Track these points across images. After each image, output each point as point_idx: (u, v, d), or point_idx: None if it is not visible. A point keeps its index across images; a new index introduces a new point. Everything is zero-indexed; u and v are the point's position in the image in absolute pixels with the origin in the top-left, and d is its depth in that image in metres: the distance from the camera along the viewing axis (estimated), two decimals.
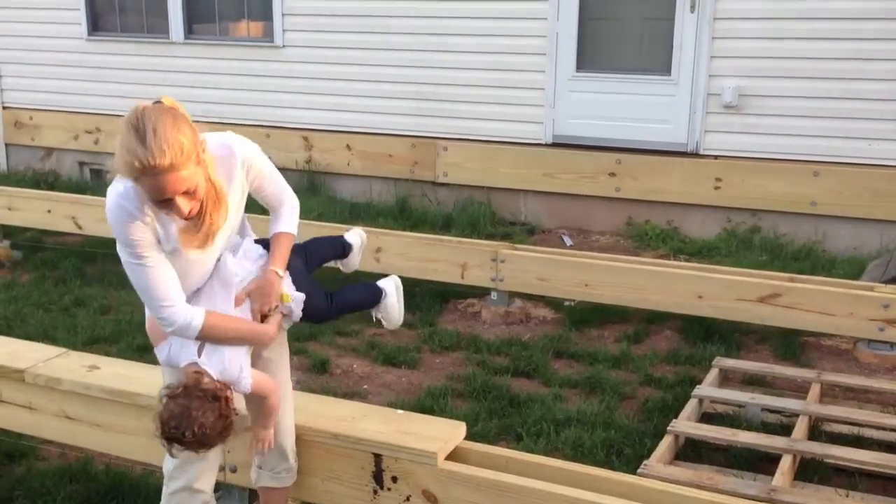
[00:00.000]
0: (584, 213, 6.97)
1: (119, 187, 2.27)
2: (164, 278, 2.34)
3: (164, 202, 2.21)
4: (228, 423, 2.36)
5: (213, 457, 2.63)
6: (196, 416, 2.28)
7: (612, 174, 6.75)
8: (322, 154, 7.74)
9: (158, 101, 2.25)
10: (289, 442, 2.78)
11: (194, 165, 2.20)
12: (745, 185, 6.37)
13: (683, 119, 6.62)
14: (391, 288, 3.03)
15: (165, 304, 2.34)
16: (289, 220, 2.67)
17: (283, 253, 2.63)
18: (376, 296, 2.99)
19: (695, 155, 6.59)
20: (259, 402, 2.61)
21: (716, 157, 6.54)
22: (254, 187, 2.54)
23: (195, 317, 2.37)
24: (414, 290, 5.57)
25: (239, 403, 2.60)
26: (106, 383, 3.10)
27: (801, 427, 3.57)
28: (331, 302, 2.80)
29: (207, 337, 2.41)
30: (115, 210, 2.28)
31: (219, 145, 2.40)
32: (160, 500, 2.93)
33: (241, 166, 2.45)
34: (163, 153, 2.12)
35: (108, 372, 3.20)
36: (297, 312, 2.62)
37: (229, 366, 2.41)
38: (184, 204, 2.22)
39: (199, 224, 2.32)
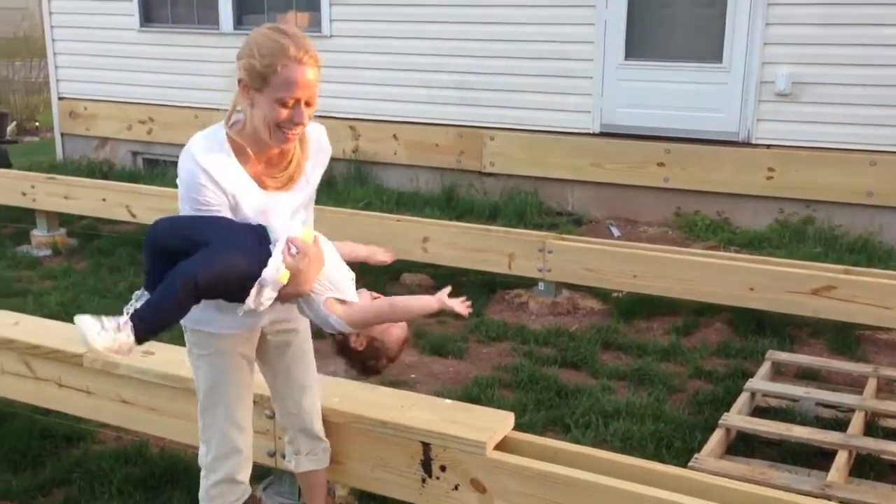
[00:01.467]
0: (633, 204, 6.90)
1: (202, 144, 2.32)
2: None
3: (285, 107, 2.25)
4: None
5: (249, 447, 2.65)
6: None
7: (661, 164, 6.66)
8: (369, 143, 7.78)
9: None
10: (318, 424, 2.81)
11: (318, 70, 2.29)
12: (799, 175, 6.25)
13: (735, 107, 6.50)
14: None
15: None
16: None
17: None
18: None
19: (746, 144, 6.48)
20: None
21: (768, 146, 6.42)
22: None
23: None
24: (461, 280, 5.59)
25: None
26: (160, 368, 3.15)
27: (856, 422, 3.50)
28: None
29: None
30: (193, 171, 2.29)
31: (314, 128, 2.47)
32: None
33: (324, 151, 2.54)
34: (309, 47, 2.25)
35: (163, 357, 3.25)
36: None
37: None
38: (304, 112, 2.27)
39: (286, 162, 2.40)
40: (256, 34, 2.29)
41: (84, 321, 2.17)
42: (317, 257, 2.40)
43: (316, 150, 2.50)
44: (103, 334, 2.16)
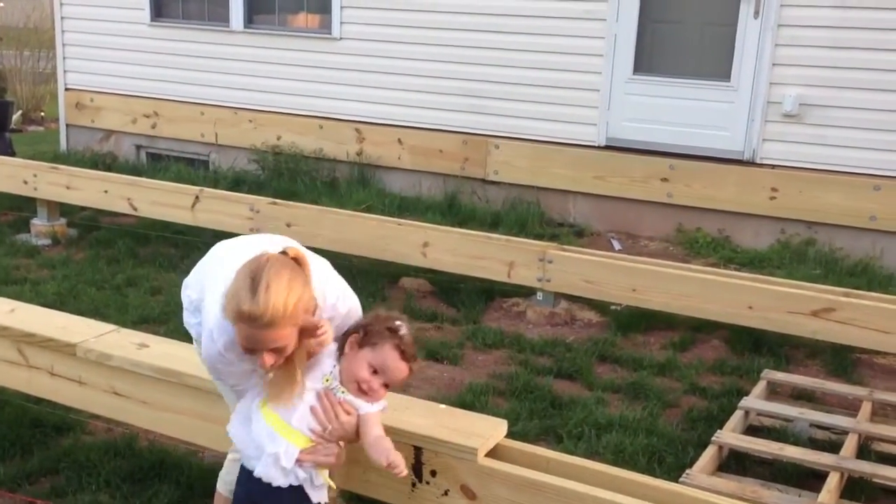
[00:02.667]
0: (634, 218, 6.89)
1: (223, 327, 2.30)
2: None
3: (251, 350, 2.25)
4: None
5: None
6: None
7: (665, 179, 6.66)
8: (373, 147, 7.78)
9: (284, 252, 2.28)
10: None
11: (294, 328, 2.23)
12: (802, 197, 6.24)
13: (741, 126, 6.50)
14: None
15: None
16: None
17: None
18: None
19: (751, 163, 6.48)
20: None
21: (773, 166, 6.42)
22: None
23: None
24: (459, 286, 5.58)
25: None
26: (155, 362, 3.13)
27: (850, 445, 3.48)
28: None
29: None
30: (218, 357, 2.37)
31: (331, 307, 2.41)
32: (201, 478, 2.98)
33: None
34: (268, 310, 2.14)
35: (158, 351, 3.23)
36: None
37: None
38: (269, 358, 2.25)
39: (285, 380, 2.37)
40: (238, 274, 2.20)
41: None
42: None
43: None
44: None
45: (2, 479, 3.26)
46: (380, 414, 2.50)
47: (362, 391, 2.42)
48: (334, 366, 2.45)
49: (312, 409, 2.40)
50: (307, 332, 2.29)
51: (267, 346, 2.22)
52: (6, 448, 3.46)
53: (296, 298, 2.18)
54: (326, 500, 2.49)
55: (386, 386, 2.45)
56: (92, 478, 3.26)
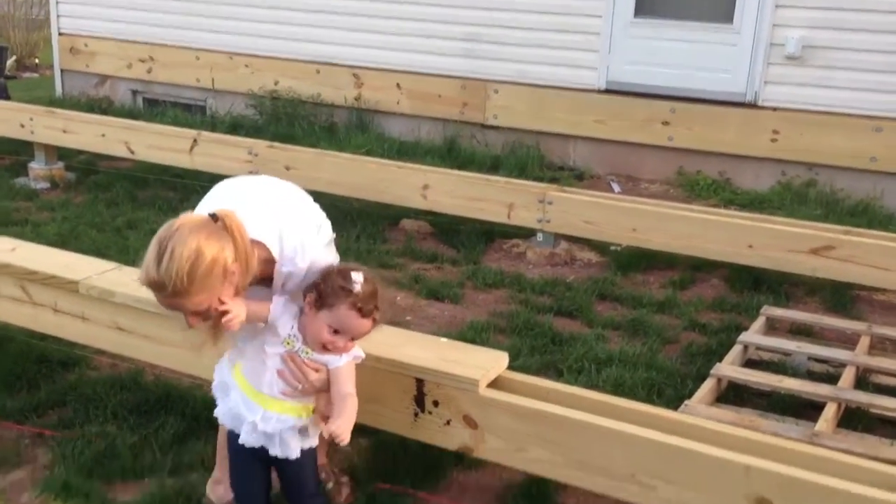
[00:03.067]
0: (635, 161, 6.88)
1: None
2: None
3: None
4: None
5: None
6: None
7: (666, 122, 6.63)
8: (372, 92, 7.71)
9: (214, 215, 2.23)
10: None
11: (209, 292, 2.19)
12: (803, 139, 6.22)
13: (743, 69, 6.45)
14: None
15: None
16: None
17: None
18: None
19: (753, 106, 6.44)
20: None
21: (774, 108, 6.38)
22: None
23: None
24: (459, 228, 5.58)
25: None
26: None
27: (847, 377, 3.52)
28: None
29: None
30: None
31: (289, 261, 2.37)
32: (206, 410, 3.00)
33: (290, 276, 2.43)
34: (170, 279, 2.12)
35: None
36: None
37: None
38: (192, 320, 2.26)
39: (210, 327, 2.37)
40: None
41: None
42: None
43: (284, 279, 2.42)
44: None
45: (9, 410, 3.30)
46: (351, 366, 2.46)
47: (327, 350, 2.40)
48: (292, 326, 2.41)
49: (280, 373, 2.39)
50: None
51: (185, 310, 2.22)
52: (12, 382, 3.49)
53: (204, 266, 2.13)
54: (316, 441, 2.50)
55: (352, 339, 2.41)
56: (99, 410, 3.30)
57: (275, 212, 2.40)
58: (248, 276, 2.28)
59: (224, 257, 2.18)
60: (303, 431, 2.45)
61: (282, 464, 2.47)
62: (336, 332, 2.36)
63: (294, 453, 2.43)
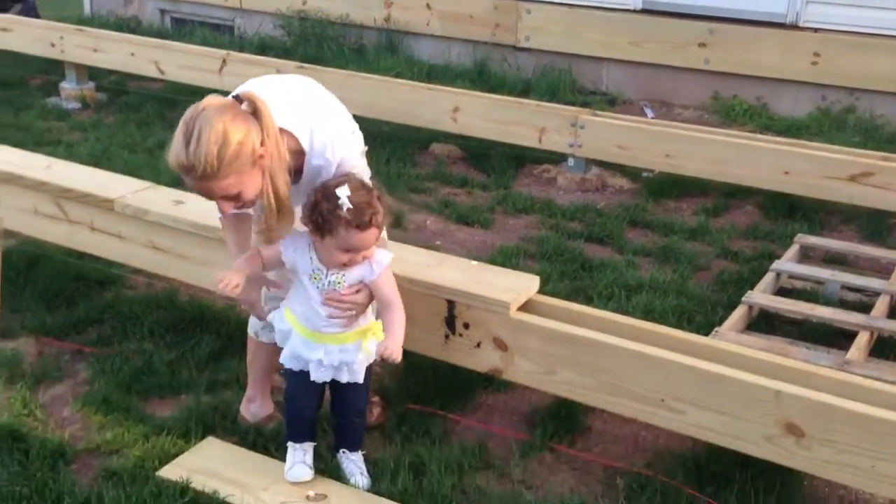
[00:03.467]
0: (669, 85, 6.73)
1: None
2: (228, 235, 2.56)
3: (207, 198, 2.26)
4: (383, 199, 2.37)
5: None
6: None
7: (703, 45, 6.45)
8: (401, 12, 7.56)
9: (237, 97, 2.21)
10: None
11: (239, 176, 2.17)
12: (845, 62, 6.03)
13: None
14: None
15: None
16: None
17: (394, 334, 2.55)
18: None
19: (793, 27, 6.24)
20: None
21: (815, 30, 6.18)
22: None
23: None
24: (489, 152, 5.54)
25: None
26: (191, 217, 3.17)
27: (881, 305, 3.50)
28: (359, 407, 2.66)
29: None
30: None
31: (319, 153, 2.34)
32: (240, 330, 3.06)
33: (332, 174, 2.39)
34: (199, 162, 2.11)
35: (194, 207, 3.25)
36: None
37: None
38: (224, 205, 2.25)
39: (260, 223, 2.36)
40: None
41: None
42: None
43: (314, 173, 2.39)
44: None
45: (49, 327, 3.38)
46: (387, 273, 2.45)
47: (349, 267, 2.39)
48: (311, 259, 2.40)
49: (331, 315, 2.41)
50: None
51: (215, 195, 2.21)
52: (51, 299, 3.57)
53: (232, 148, 2.12)
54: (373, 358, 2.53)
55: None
56: (136, 328, 3.37)
57: (305, 104, 2.38)
58: (281, 162, 2.25)
59: (251, 140, 2.18)
60: (364, 353, 2.49)
61: (338, 387, 2.55)
62: (347, 251, 2.35)
63: (360, 376, 2.51)
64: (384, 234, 2.53)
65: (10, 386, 3.02)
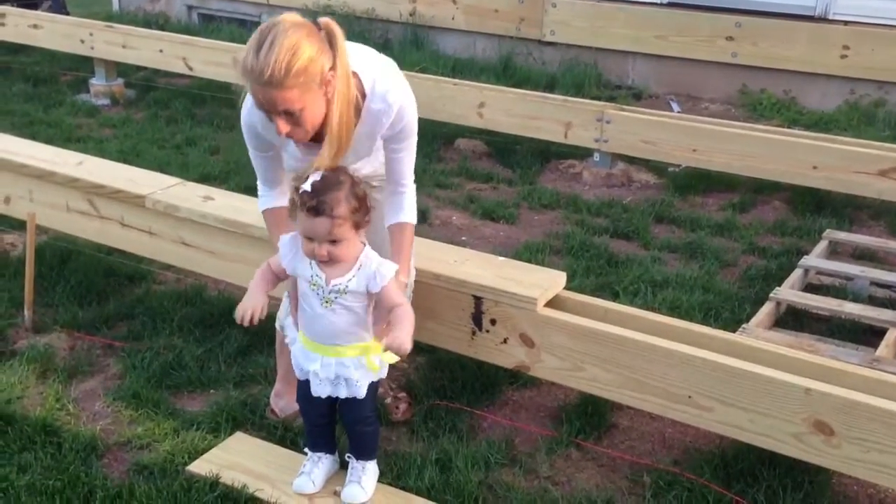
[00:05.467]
0: (696, 79, 6.69)
1: (249, 101, 2.35)
2: (262, 170, 2.58)
3: (266, 112, 2.24)
4: (362, 200, 2.31)
5: None
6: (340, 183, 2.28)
7: (730, 38, 6.40)
8: (427, 7, 7.57)
9: (316, 21, 2.22)
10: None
11: (303, 92, 2.17)
12: (875, 55, 5.96)
13: None
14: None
15: (259, 187, 2.63)
16: (411, 208, 2.56)
17: (407, 253, 2.56)
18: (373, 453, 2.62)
19: (823, 20, 6.18)
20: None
21: (845, 22, 6.11)
22: (388, 146, 2.48)
23: (262, 202, 2.63)
24: (515, 147, 5.54)
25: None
26: (220, 213, 3.20)
27: None
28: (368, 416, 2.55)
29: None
30: (244, 123, 2.45)
31: (378, 98, 2.34)
32: (269, 325, 3.07)
33: (388, 124, 2.40)
34: (268, 67, 2.11)
35: (223, 203, 3.30)
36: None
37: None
38: (282, 124, 2.23)
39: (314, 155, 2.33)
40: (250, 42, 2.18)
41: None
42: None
43: (373, 120, 2.39)
44: None
45: (81, 322, 3.43)
46: (393, 283, 2.36)
47: (325, 263, 2.31)
48: (311, 264, 2.34)
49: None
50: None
51: (276, 107, 2.20)
52: (83, 295, 3.62)
53: (301, 61, 2.13)
54: (384, 374, 2.50)
55: (333, 242, 2.28)
56: (165, 323, 3.41)
57: (374, 56, 2.42)
58: (348, 95, 2.24)
59: (322, 61, 2.19)
60: (369, 373, 2.43)
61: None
62: (310, 239, 2.28)
63: (361, 392, 2.42)
64: (364, 239, 2.44)
65: (44, 380, 3.07)
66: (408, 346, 2.26)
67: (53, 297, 3.60)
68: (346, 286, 2.33)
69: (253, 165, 2.59)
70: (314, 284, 2.35)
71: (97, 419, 2.89)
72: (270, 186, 2.60)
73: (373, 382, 2.48)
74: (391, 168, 2.53)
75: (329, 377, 2.39)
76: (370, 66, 2.37)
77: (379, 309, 2.41)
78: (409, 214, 2.56)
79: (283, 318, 2.72)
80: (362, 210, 2.30)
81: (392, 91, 2.37)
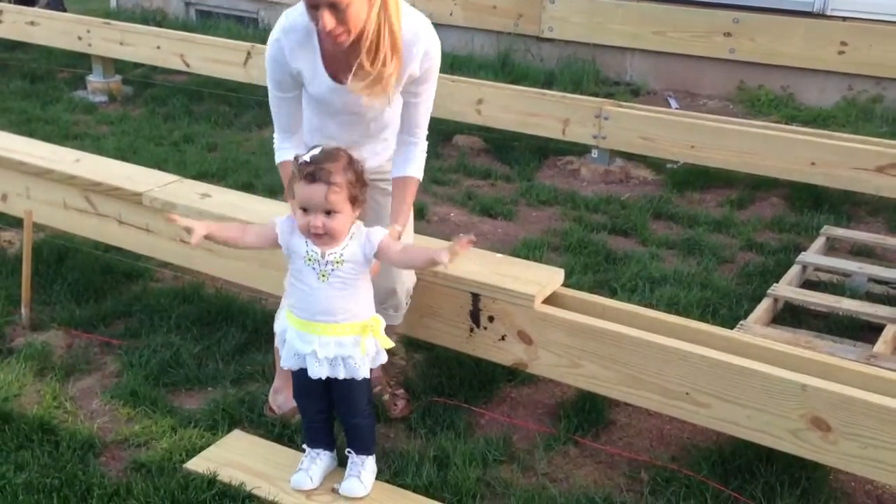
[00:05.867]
0: (694, 76, 6.68)
1: (285, 21, 2.43)
2: (282, 115, 2.61)
3: (314, 8, 2.27)
4: (359, 175, 2.34)
5: None
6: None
7: (728, 34, 6.39)
8: (424, 3, 7.47)
9: None
10: (400, 287, 2.76)
11: None
12: (873, 51, 5.96)
13: None
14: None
15: (277, 138, 2.65)
16: (420, 162, 2.60)
17: (408, 207, 2.59)
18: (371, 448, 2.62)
19: (821, 16, 6.17)
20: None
21: (843, 18, 6.10)
22: (408, 90, 2.51)
23: (279, 154, 2.62)
24: (513, 144, 5.53)
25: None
26: (218, 210, 3.19)
27: None
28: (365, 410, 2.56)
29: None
30: (270, 58, 2.50)
31: (409, 29, 2.40)
32: (265, 323, 3.09)
33: (417, 58, 2.44)
34: None
35: (220, 200, 3.30)
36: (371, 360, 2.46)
37: None
38: (328, 19, 2.25)
39: (369, 63, 2.36)
40: None
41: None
42: None
43: (405, 52, 2.42)
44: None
45: (78, 320, 3.43)
46: (388, 240, 2.39)
47: (318, 237, 2.32)
48: (306, 241, 2.36)
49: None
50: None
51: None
52: (80, 292, 3.62)
53: None
54: (383, 359, 2.49)
55: (328, 214, 2.29)
56: (163, 321, 3.41)
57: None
58: (396, 11, 2.32)
59: None
60: (365, 358, 2.42)
61: (335, 385, 2.46)
62: (305, 210, 2.30)
63: (360, 373, 2.41)
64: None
65: (41, 378, 3.07)
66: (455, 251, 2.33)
67: (51, 295, 3.59)
68: (342, 254, 2.35)
69: (272, 114, 2.62)
70: (309, 259, 2.36)
71: (94, 417, 2.89)
72: (288, 135, 2.63)
73: (366, 376, 2.47)
74: (407, 115, 2.57)
75: (328, 356, 2.38)
76: (407, 7, 2.44)
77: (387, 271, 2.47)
78: (417, 168, 2.61)
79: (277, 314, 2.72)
80: (359, 184, 2.33)
81: (425, 30, 2.45)
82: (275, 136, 2.67)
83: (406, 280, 2.78)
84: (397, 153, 2.62)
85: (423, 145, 2.62)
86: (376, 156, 2.66)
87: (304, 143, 2.61)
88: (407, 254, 2.47)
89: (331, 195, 2.27)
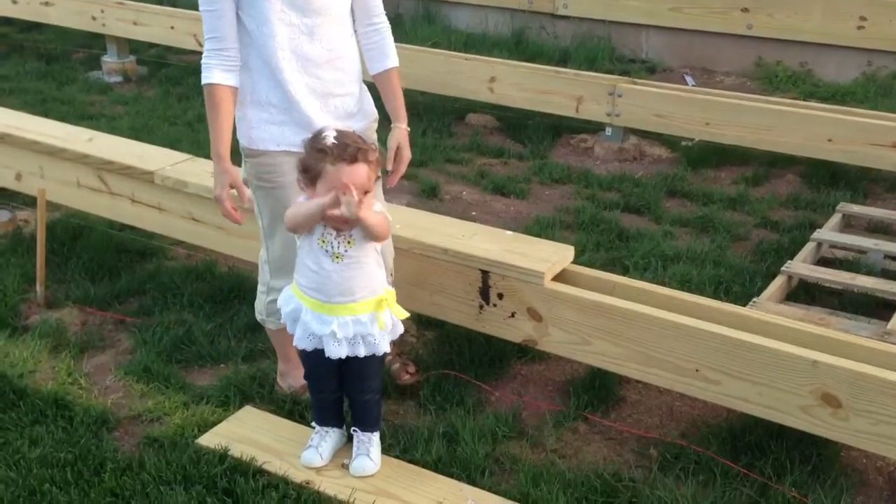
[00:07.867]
0: (711, 52, 6.60)
1: None
2: (218, 20, 2.43)
3: None
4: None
5: None
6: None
7: (745, 10, 6.30)
8: None
9: None
10: (389, 257, 2.75)
11: None
12: (893, 26, 5.85)
13: None
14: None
15: (207, 51, 2.46)
16: (393, 48, 2.60)
17: (402, 98, 2.61)
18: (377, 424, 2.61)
19: None
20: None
21: None
22: None
23: (210, 75, 2.47)
24: (526, 122, 5.50)
25: None
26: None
27: None
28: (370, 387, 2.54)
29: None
30: None
31: None
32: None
33: None
34: None
35: None
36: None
37: None
38: None
39: None
40: None
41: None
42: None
43: None
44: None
45: (93, 298, 3.46)
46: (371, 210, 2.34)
47: (347, 222, 2.28)
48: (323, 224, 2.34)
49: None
50: None
51: None
52: (95, 270, 3.65)
53: None
54: (400, 330, 2.49)
55: (364, 193, 2.28)
56: (176, 298, 3.43)
57: None
58: None
59: None
60: (384, 333, 2.42)
61: (352, 362, 2.45)
62: (339, 193, 2.24)
63: (381, 348, 2.41)
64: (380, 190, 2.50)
65: (56, 355, 3.10)
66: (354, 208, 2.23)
67: (65, 273, 3.63)
68: (352, 234, 2.34)
69: (206, 22, 2.45)
70: (323, 241, 2.35)
71: (108, 393, 2.92)
72: (222, 50, 2.43)
73: (387, 350, 2.46)
74: (364, 2, 2.54)
75: (347, 336, 2.37)
76: None
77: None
78: (394, 55, 2.61)
79: (264, 313, 2.74)
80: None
81: None
82: (206, 50, 2.47)
83: (391, 248, 2.77)
84: (368, 48, 2.59)
85: (387, 26, 2.60)
86: (358, 118, 2.60)
87: (254, 99, 2.52)
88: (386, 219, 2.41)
89: (371, 174, 2.30)
